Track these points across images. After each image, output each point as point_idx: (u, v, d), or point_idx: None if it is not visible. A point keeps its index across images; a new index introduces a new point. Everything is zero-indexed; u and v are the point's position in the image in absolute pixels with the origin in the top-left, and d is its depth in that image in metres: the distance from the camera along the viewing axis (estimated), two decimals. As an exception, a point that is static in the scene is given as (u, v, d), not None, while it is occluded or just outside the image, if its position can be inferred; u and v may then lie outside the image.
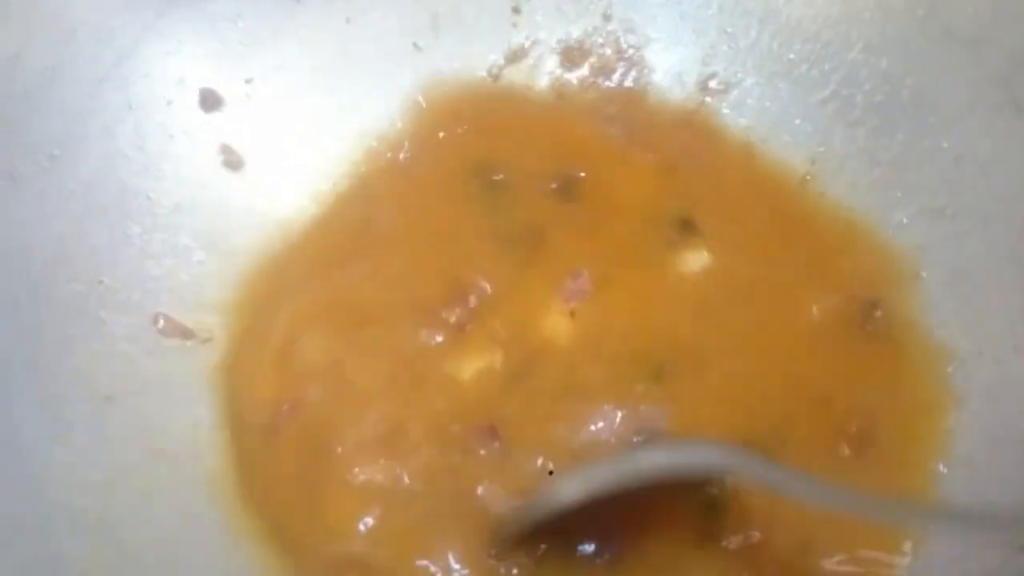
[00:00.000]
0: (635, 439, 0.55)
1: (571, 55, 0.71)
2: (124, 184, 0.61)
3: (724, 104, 0.70)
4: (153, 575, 0.52)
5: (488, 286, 0.60)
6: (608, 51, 0.71)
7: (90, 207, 0.59)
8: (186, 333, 0.60)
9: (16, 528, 0.49)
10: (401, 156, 0.68)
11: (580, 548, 0.53)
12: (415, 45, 0.69)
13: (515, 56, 0.71)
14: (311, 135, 0.68)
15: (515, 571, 0.52)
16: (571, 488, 0.49)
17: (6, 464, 0.50)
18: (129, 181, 0.61)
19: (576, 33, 0.71)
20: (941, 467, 0.56)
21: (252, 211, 0.65)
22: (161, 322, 0.59)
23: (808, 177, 0.67)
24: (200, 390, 0.59)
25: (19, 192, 0.56)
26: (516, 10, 0.70)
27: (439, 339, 0.58)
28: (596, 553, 0.53)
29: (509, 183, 0.65)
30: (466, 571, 0.52)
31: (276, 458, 0.57)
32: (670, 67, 0.70)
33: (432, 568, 0.52)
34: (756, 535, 0.54)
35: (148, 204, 0.61)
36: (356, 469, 0.54)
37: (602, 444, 0.55)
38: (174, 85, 0.63)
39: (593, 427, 0.55)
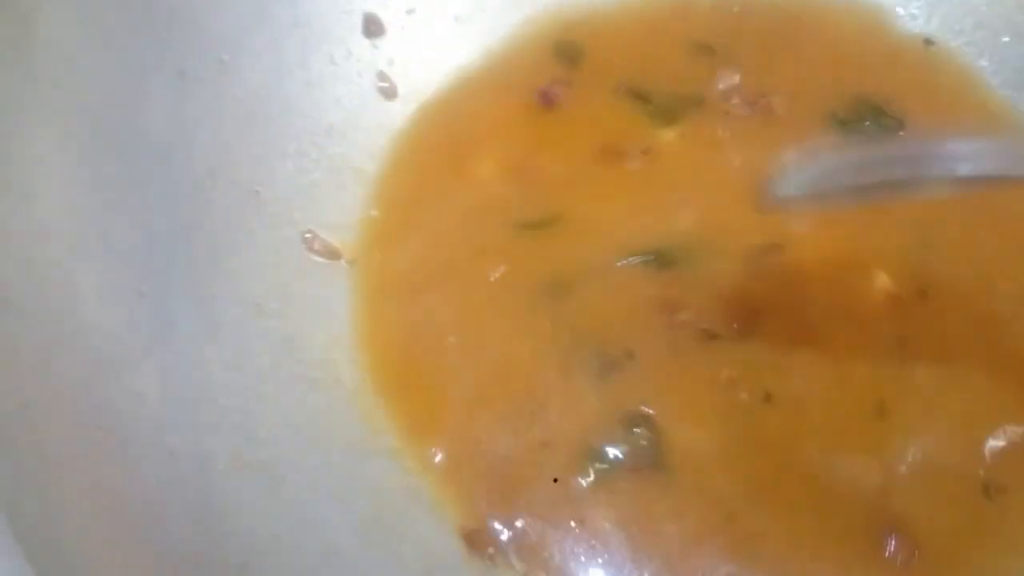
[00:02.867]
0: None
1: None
2: (286, 99, 0.61)
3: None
4: (290, 483, 0.52)
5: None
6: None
7: (252, 117, 0.59)
8: (333, 253, 0.60)
9: (170, 418, 0.49)
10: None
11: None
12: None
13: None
14: (461, 73, 0.67)
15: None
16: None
17: (163, 355, 0.50)
18: (290, 97, 0.61)
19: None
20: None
21: (403, 140, 0.64)
22: (310, 239, 0.59)
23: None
24: (343, 310, 0.58)
25: (187, 91, 0.56)
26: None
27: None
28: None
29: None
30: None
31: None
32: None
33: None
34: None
35: (305, 122, 0.61)
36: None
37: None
38: (340, 7, 0.63)
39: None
